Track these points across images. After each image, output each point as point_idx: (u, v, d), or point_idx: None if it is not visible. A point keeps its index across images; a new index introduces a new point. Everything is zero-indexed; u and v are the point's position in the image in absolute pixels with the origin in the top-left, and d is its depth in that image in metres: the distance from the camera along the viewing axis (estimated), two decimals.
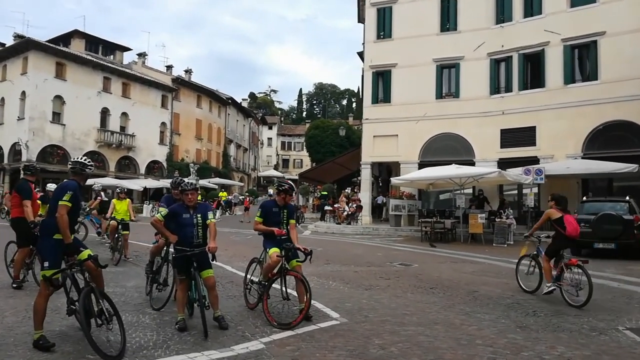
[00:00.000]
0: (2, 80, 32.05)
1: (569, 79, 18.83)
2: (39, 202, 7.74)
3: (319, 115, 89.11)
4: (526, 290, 7.39)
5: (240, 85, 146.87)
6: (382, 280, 8.38)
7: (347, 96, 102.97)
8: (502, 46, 20.18)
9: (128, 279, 8.05)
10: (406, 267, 10.35)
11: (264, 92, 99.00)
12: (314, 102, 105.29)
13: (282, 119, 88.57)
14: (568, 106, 18.42)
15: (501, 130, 20.03)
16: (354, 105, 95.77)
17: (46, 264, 4.20)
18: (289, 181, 5.87)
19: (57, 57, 31.38)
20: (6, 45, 33.20)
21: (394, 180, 18.25)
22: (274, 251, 5.38)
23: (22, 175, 7.22)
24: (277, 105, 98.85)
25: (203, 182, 35.10)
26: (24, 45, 30.53)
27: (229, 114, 49.68)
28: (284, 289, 5.30)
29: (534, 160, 18.62)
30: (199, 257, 4.99)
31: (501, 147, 20.01)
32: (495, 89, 20.54)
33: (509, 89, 20.19)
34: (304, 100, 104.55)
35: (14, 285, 6.71)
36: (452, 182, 16.21)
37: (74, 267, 4.04)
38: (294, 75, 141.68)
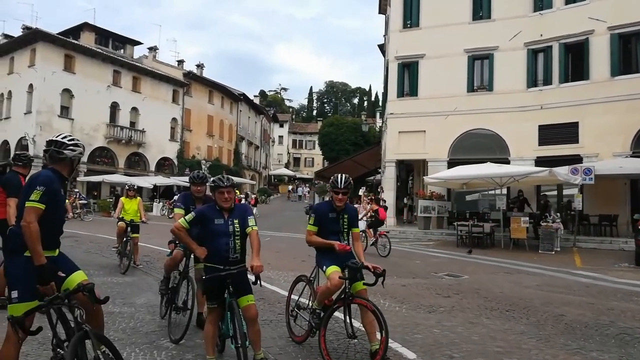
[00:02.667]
0: (9, 72, 30.97)
1: (617, 70, 17.25)
2: None
3: (329, 114, 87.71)
4: None
5: (250, 84, 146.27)
6: (441, 299, 6.98)
7: (358, 94, 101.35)
8: (541, 35, 18.64)
9: (138, 293, 6.73)
10: (457, 280, 8.95)
11: (274, 90, 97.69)
12: (325, 100, 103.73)
13: (293, 117, 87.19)
14: (615, 100, 16.86)
15: (539, 126, 18.49)
16: (365, 103, 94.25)
17: (14, 294, 2.83)
18: (346, 175, 4.39)
19: (65, 49, 30.24)
20: (14, 37, 32.18)
21: (426, 179, 16.80)
22: (333, 271, 4.00)
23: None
24: (287, 103, 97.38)
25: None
26: (31, 37, 29.42)
27: (240, 111, 48.37)
28: (348, 322, 3.90)
29: (577, 158, 17.08)
30: (236, 279, 3.63)
31: (539, 145, 18.47)
32: (532, 82, 18.98)
33: (548, 81, 18.63)
34: (314, 98, 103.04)
35: None
36: (493, 181, 14.71)
37: (56, 302, 2.67)
38: (303, 74, 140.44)
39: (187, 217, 3.77)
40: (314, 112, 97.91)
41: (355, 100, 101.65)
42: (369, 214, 13.26)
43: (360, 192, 30.39)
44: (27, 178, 5.52)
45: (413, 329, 5.22)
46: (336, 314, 4.20)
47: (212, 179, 3.81)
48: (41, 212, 2.89)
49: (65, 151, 3.14)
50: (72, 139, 3.20)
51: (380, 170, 31.61)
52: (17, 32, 33.20)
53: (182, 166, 37.32)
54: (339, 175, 4.36)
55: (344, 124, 49.54)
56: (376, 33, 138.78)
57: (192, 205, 5.02)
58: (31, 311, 2.63)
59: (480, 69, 19.94)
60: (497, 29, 19.39)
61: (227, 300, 3.60)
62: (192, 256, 5.03)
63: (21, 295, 2.82)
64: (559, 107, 17.93)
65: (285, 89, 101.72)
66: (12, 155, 30.08)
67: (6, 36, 34.38)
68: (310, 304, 4.57)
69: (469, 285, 8.26)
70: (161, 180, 33.53)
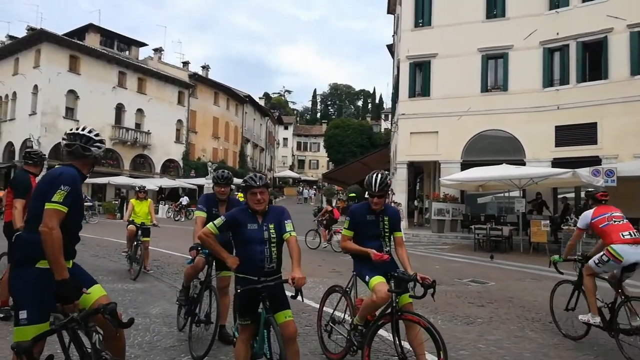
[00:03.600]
0: (14, 74, 30.74)
1: (636, 69, 16.74)
2: None
3: (333, 116, 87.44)
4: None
5: (254, 86, 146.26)
6: (475, 308, 6.52)
7: (362, 97, 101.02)
8: (557, 34, 18.17)
9: (151, 301, 6.29)
10: (485, 287, 8.46)
11: (278, 93, 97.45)
12: (329, 102, 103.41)
13: (297, 119, 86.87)
14: (635, 100, 16.40)
15: (556, 126, 18.02)
16: (369, 106, 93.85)
17: (22, 314, 2.38)
18: (383, 174, 3.88)
19: (71, 50, 29.99)
20: (19, 38, 31.93)
21: (443, 180, 16.32)
22: (379, 282, 3.55)
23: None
24: (291, 105, 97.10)
25: None
26: (36, 37, 29.17)
27: (246, 112, 48.05)
28: (397, 341, 3.44)
29: (596, 160, 16.58)
30: (272, 292, 3.19)
31: (556, 146, 17.99)
32: (549, 82, 18.51)
33: (565, 81, 18.15)
34: (318, 100, 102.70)
35: (0, 316, 4.94)
36: (512, 183, 14.23)
37: (71, 325, 2.23)
38: (307, 76, 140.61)
39: (216, 222, 3.33)
40: (318, 115, 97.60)
41: (360, 103, 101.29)
42: (327, 215, 14.17)
43: (366, 195, 29.99)
44: (38, 177, 5.12)
45: (456, 344, 4.75)
46: (384, 332, 3.74)
47: (247, 177, 3.38)
48: (64, 216, 2.47)
49: (92, 148, 2.75)
50: (98, 134, 2.80)
51: (386, 173, 31.18)
52: (21, 35, 32.95)
53: (187, 168, 37.01)
54: (374, 176, 3.79)
55: (350, 126, 49.22)
56: (380, 35, 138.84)
57: (215, 207, 4.57)
58: (41, 336, 2.20)
59: (494, 68, 19.49)
60: (512, 28, 18.93)
61: (262, 317, 3.16)
62: (214, 264, 4.62)
63: (30, 316, 2.37)
64: (577, 107, 17.45)
65: (289, 91, 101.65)
66: (16, 156, 29.80)
67: (11, 37, 34.18)
68: (346, 318, 4.15)
69: (499, 293, 7.79)
70: (167, 182, 33.18)
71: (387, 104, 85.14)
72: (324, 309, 4.41)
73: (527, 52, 18.66)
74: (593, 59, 17.83)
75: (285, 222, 3.32)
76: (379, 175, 3.78)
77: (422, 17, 20.73)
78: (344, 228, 3.91)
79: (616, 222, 4.89)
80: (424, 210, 23.28)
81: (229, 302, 4.82)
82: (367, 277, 3.65)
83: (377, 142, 45.70)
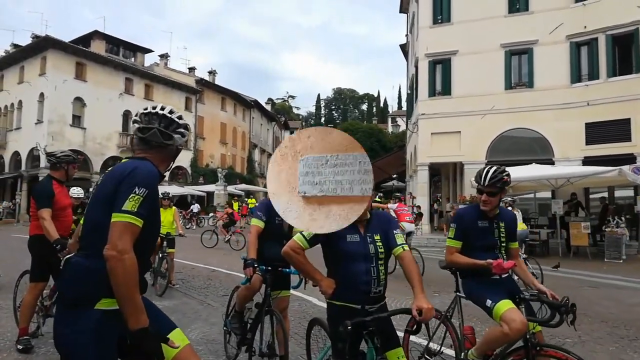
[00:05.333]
0: (20, 82, 30.18)
1: None
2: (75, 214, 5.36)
3: (337, 121, 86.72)
4: None
5: (257, 92, 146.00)
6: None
7: (366, 101, 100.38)
8: (585, 27, 17.41)
9: (187, 323, 5.51)
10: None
11: (282, 98, 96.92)
12: (333, 107, 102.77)
13: (303, 124, 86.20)
14: None
15: (586, 124, 17.22)
16: (374, 109, 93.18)
17: None
18: (499, 167, 3.14)
19: (76, 57, 29.44)
20: (24, 46, 31.40)
21: (474, 181, 15.49)
22: (509, 308, 2.78)
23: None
24: (295, 111, 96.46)
25: (230, 189, 32.82)
26: (42, 44, 28.63)
27: (253, 118, 47.40)
28: None
29: (630, 157, 15.82)
30: (381, 325, 2.42)
31: (587, 144, 17.19)
32: (577, 77, 17.72)
33: (594, 76, 17.36)
34: (322, 105, 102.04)
35: (20, 347, 4.13)
36: (548, 183, 13.44)
37: None
38: (309, 81, 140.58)
39: (305, 233, 2.58)
40: (322, 120, 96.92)
41: (364, 107, 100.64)
42: (225, 216, 15.73)
43: (377, 199, 29.24)
44: (63, 183, 4.35)
45: None
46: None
47: None
48: (138, 232, 1.70)
49: (174, 135, 1.99)
50: (180, 116, 2.04)
51: (394, 177, 30.47)
52: (25, 44, 32.32)
53: (196, 175, 36.34)
54: (486, 168, 3.13)
55: (359, 129, 48.48)
56: (382, 39, 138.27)
57: (278, 216, 3.80)
58: None
59: (518, 64, 18.71)
60: (536, 22, 18.18)
61: (370, 358, 2.39)
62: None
63: None
64: (608, 103, 16.65)
65: (292, 97, 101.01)
66: (23, 166, 29.18)
67: (15, 46, 33.69)
68: (440, 349, 3.39)
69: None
70: (175, 189, 32.39)
71: (393, 107, 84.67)
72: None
73: (553, 47, 17.89)
74: (624, 53, 17.06)
75: (395, 232, 2.55)
76: (493, 168, 3.04)
77: (441, 13, 20.01)
78: (449, 237, 3.16)
79: (405, 212, 9.90)
80: (444, 214, 22.44)
81: (289, 328, 4.07)
82: (489, 302, 2.87)
83: (388, 145, 44.96)
